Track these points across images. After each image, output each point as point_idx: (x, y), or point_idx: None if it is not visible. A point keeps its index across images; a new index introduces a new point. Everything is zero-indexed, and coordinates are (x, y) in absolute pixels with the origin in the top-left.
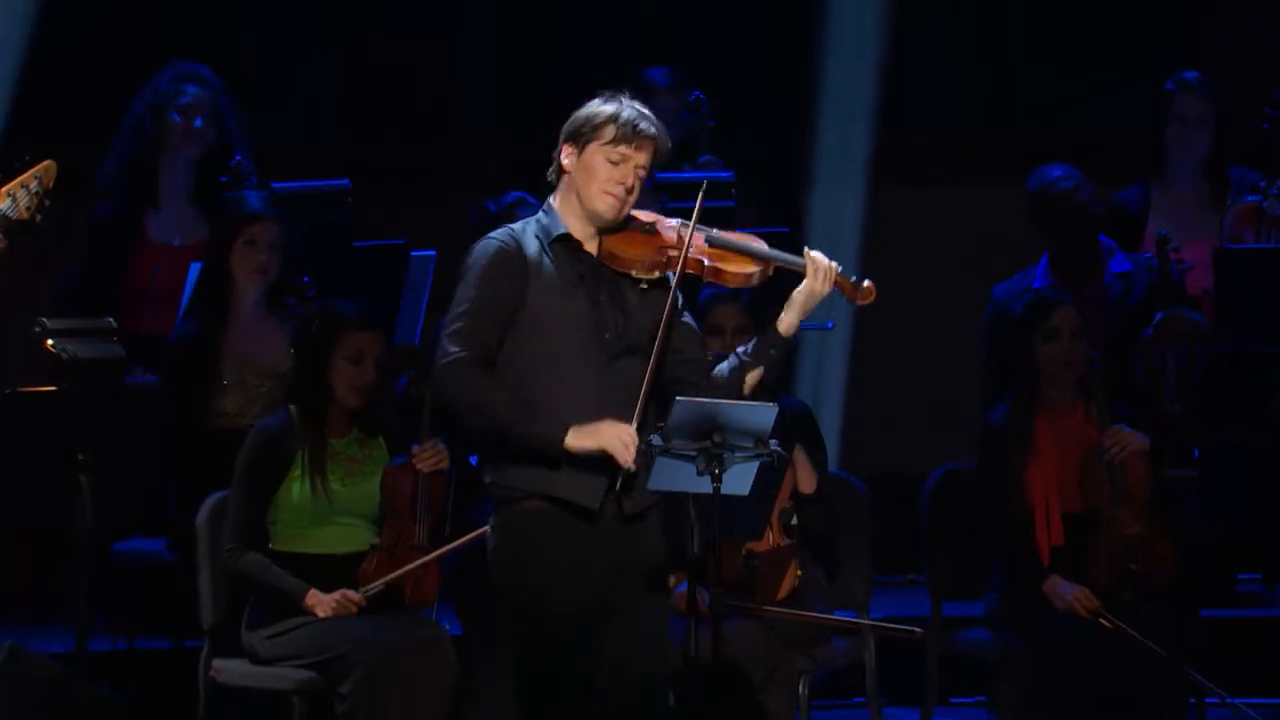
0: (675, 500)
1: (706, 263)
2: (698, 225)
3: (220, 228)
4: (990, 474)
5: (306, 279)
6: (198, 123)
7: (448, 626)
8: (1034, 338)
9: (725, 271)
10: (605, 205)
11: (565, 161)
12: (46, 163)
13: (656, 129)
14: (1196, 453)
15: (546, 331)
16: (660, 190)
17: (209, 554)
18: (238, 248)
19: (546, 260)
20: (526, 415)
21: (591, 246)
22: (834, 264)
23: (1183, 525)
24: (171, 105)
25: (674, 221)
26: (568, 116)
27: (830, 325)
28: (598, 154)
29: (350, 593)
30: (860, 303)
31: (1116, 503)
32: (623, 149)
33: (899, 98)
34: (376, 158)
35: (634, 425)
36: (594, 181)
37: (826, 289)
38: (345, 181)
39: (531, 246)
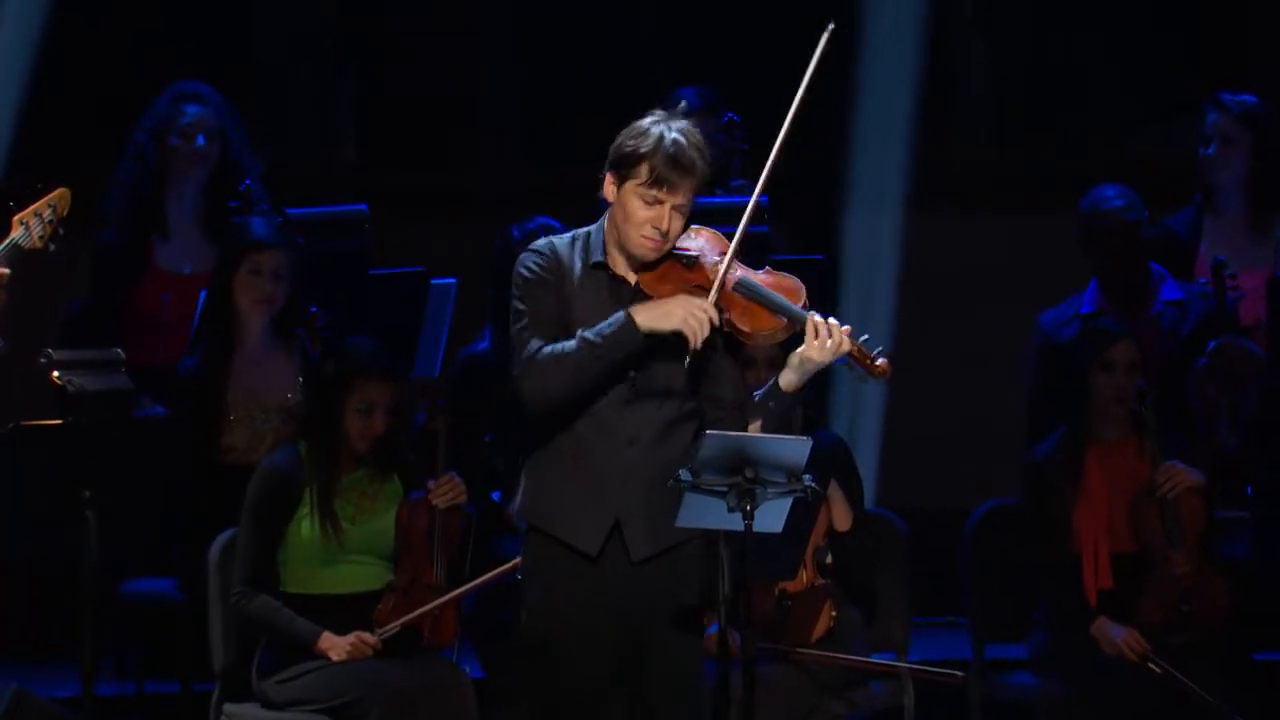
0: (706, 538)
1: (724, 314)
2: (743, 263)
3: (223, 256)
4: (1036, 511)
5: (315, 309)
6: (199, 141)
7: (467, 669)
8: (1089, 369)
9: (742, 329)
10: (644, 251)
11: (608, 190)
12: (60, 190)
13: (697, 161)
14: (1250, 490)
15: None
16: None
17: (219, 594)
18: (241, 277)
19: (587, 286)
20: (595, 332)
21: (631, 277)
22: (845, 336)
23: (1236, 566)
24: (172, 128)
25: (715, 258)
26: (592, 141)
27: (884, 352)
28: (633, 194)
29: (365, 635)
30: (875, 378)
31: (1169, 543)
32: (658, 192)
33: (939, 117)
34: (395, 182)
35: (711, 296)
36: (630, 224)
37: (827, 358)
38: (362, 207)
39: (576, 266)
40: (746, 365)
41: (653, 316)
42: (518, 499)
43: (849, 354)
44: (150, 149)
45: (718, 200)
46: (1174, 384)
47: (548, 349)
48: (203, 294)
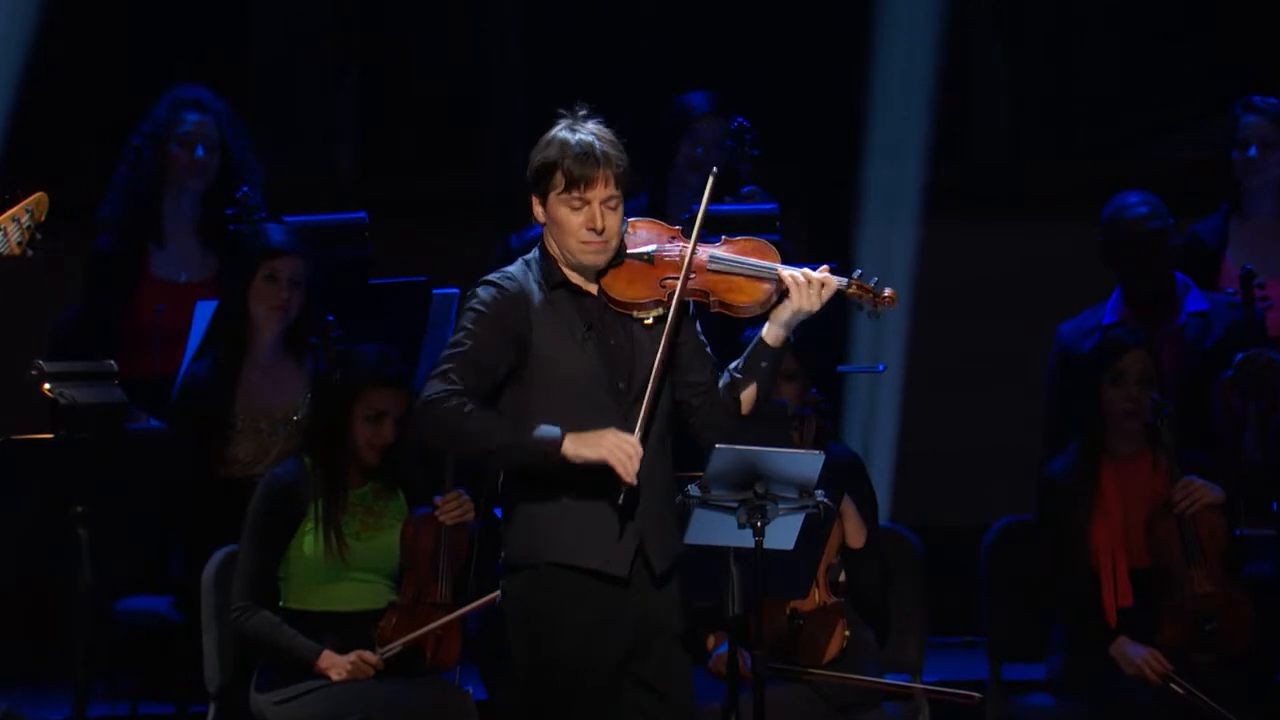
0: (715, 555)
1: (711, 296)
2: (700, 241)
3: (238, 262)
4: (1053, 528)
5: (331, 318)
6: (199, 152)
7: (471, 690)
8: (1100, 381)
9: (734, 304)
10: (589, 257)
11: (536, 212)
12: (38, 195)
13: (609, 151)
14: (1276, 506)
15: (559, 387)
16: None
17: (216, 613)
18: (257, 283)
19: (551, 308)
20: (520, 428)
21: (592, 289)
22: (828, 277)
23: (1262, 584)
24: (171, 136)
25: (674, 246)
26: None
27: (881, 368)
28: (559, 204)
29: (366, 654)
30: (886, 307)
31: (1188, 560)
32: (578, 193)
33: (955, 125)
34: (396, 189)
35: (638, 439)
36: (568, 235)
37: (817, 305)
38: (362, 215)
39: (534, 292)
40: None
41: (581, 445)
42: (511, 542)
43: (851, 294)
44: (149, 155)
45: (727, 208)
46: (1197, 398)
47: (460, 404)
48: (199, 304)
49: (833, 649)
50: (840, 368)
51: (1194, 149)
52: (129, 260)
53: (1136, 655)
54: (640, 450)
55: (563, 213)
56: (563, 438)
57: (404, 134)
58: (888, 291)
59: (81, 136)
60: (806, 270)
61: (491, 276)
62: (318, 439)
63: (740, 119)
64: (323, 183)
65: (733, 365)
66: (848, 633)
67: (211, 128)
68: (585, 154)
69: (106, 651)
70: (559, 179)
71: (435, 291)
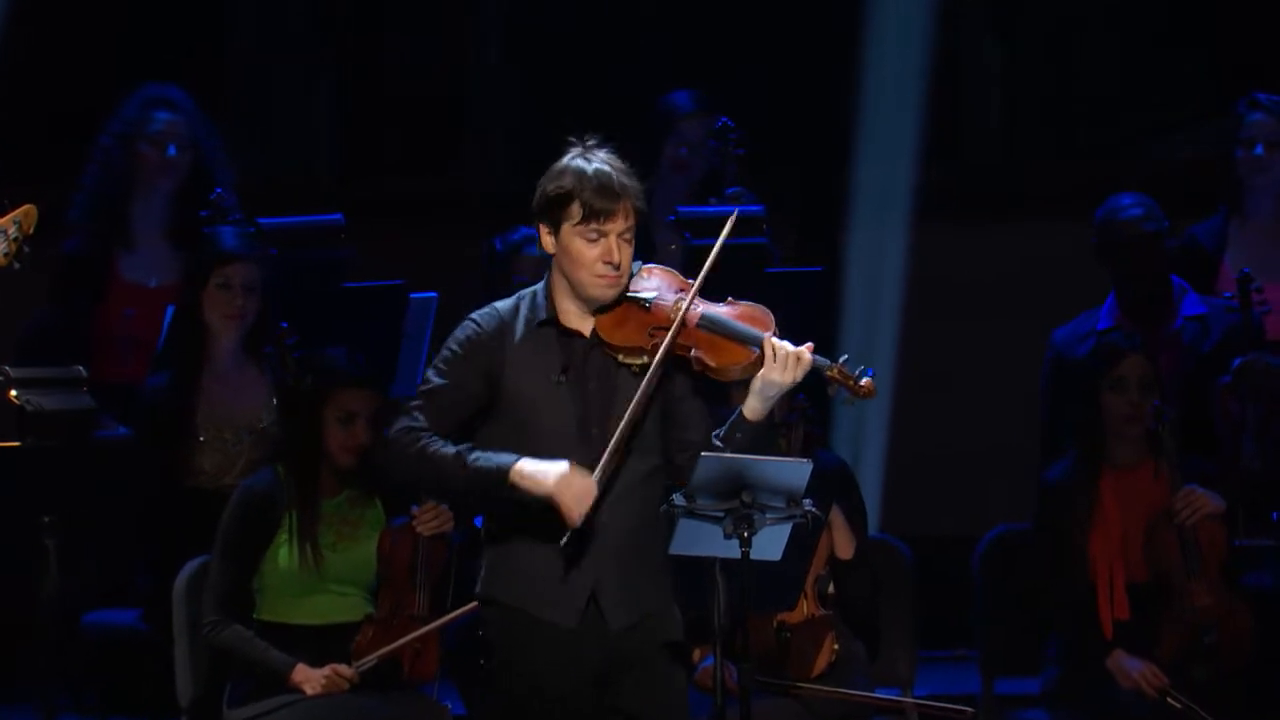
0: (701, 566)
1: (693, 352)
2: (704, 298)
3: (192, 269)
4: (1048, 538)
5: (285, 325)
6: (171, 151)
7: (449, 705)
8: (1099, 387)
9: (713, 364)
10: (600, 290)
11: (546, 242)
12: (26, 207)
13: (627, 184)
14: (1277, 516)
15: (528, 427)
16: (683, 226)
17: (186, 625)
18: (210, 290)
19: (531, 347)
20: (467, 454)
21: (587, 325)
22: (804, 353)
23: (1261, 595)
24: (141, 135)
25: (672, 296)
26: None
27: (871, 373)
28: (573, 236)
29: (341, 667)
30: (861, 398)
31: (1188, 571)
32: (595, 225)
33: (947, 125)
34: (373, 190)
35: (595, 477)
36: (580, 268)
37: (787, 380)
38: (338, 216)
39: (518, 330)
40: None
41: (532, 474)
42: (482, 572)
43: (831, 377)
44: (118, 155)
45: (710, 210)
46: (1195, 404)
47: (417, 442)
48: (169, 309)
49: (821, 663)
50: None
51: (1193, 149)
52: (98, 263)
53: (1133, 669)
54: (593, 492)
55: (577, 245)
56: (515, 465)
57: (384, 134)
58: (865, 381)
59: (52, 138)
60: (788, 344)
61: (475, 313)
62: (290, 447)
63: (725, 118)
64: (301, 184)
65: (716, 432)
66: (837, 646)
67: (183, 127)
68: (605, 186)
69: (74, 665)
70: (575, 210)
71: (413, 295)
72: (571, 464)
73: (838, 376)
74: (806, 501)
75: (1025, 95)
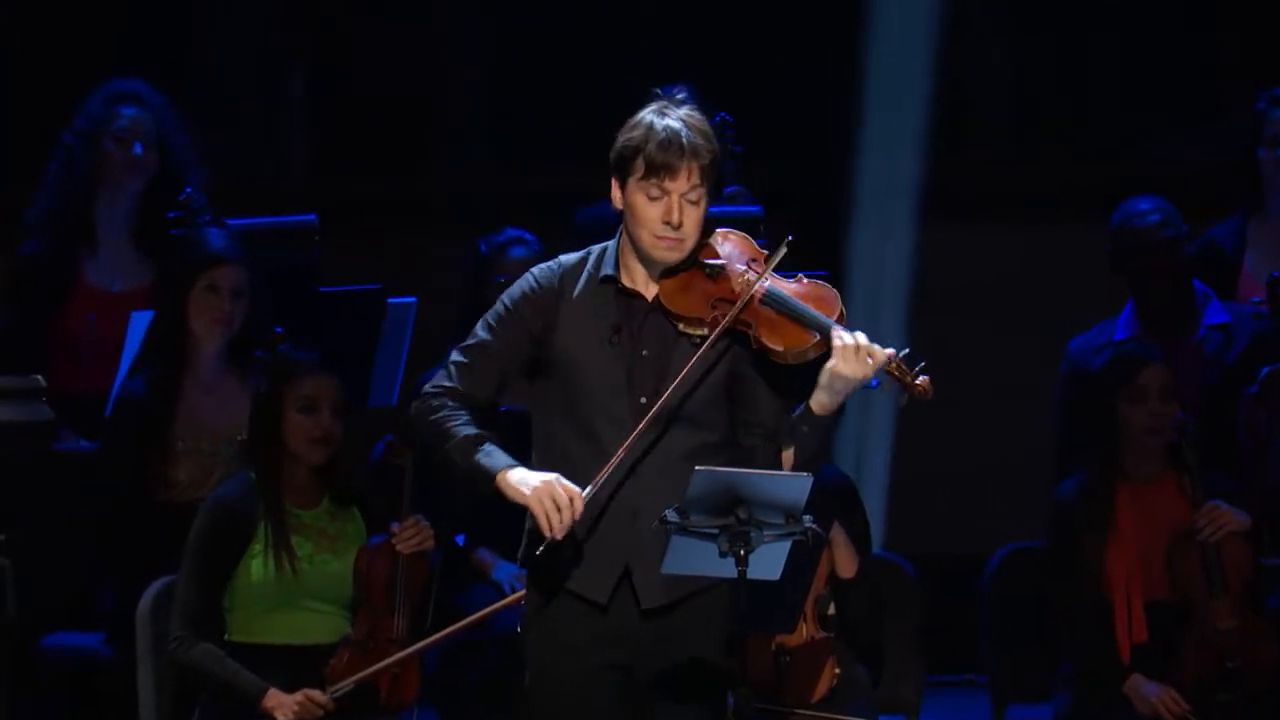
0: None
1: (752, 330)
2: (775, 274)
3: (176, 271)
4: (1062, 556)
5: (280, 330)
6: (136, 149)
7: None
8: (1117, 399)
9: (770, 344)
10: (660, 253)
11: (615, 198)
12: None
13: (697, 141)
14: None
15: (575, 390)
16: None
17: (152, 648)
18: (196, 294)
19: (587, 305)
20: (470, 448)
21: (653, 290)
22: (875, 348)
23: None
24: (105, 132)
25: (741, 266)
26: (566, 143)
27: (875, 383)
28: (637, 192)
29: (314, 693)
30: (915, 398)
31: (1211, 592)
32: (658, 181)
33: (953, 121)
34: (348, 190)
35: (587, 491)
36: (640, 225)
37: (858, 374)
38: (312, 217)
39: (579, 284)
40: None
41: (516, 483)
42: (524, 542)
43: (887, 372)
44: (80, 153)
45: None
46: (1218, 417)
47: (445, 416)
48: (134, 315)
49: (821, 688)
50: None
51: (1202, 149)
52: (59, 267)
53: (1152, 694)
54: (575, 506)
55: (639, 201)
56: (503, 470)
57: (356, 133)
58: (921, 380)
59: (11, 135)
60: (860, 335)
61: (537, 267)
62: (256, 449)
63: (722, 114)
64: (270, 184)
65: None
66: (838, 670)
67: (149, 123)
68: (669, 141)
69: (33, 690)
70: (640, 165)
71: (391, 300)
72: (556, 477)
73: (895, 373)
74: (807, 518)
75: (1032, 94)
